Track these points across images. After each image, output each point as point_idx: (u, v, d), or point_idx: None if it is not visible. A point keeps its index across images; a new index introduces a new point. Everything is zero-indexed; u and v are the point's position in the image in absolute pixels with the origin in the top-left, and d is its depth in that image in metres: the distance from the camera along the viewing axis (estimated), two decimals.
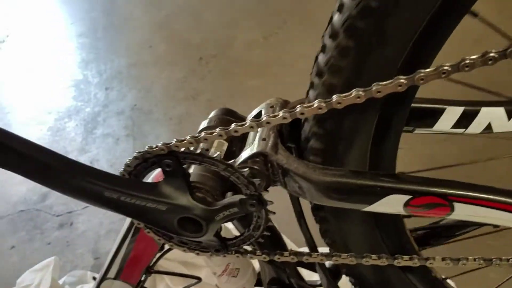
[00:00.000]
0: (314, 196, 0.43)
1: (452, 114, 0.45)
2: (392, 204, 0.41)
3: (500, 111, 0.45)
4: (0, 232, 1.52)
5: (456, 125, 0.46)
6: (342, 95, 0.37)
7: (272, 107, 0.46)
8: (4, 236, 1.51)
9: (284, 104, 0.46)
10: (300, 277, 0.59)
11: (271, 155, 0.42)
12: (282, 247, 0.56)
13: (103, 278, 0.58)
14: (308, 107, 0.38)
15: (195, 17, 2.41)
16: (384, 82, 0.36)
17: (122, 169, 0.43)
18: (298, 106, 0.39)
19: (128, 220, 0.56)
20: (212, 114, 0.50)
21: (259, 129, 0.44)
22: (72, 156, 1.76)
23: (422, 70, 0.35)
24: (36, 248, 1.47)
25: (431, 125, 0.47)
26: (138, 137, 1.79)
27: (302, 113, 0.39)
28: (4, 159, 0.38)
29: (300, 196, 0.45)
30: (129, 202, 0.42)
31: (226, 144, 0.46)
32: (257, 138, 0.44)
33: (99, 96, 2.05)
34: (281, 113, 0.39)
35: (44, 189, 1.25)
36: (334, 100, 0.37)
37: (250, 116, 0.47)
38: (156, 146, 0.41)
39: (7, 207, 1.61)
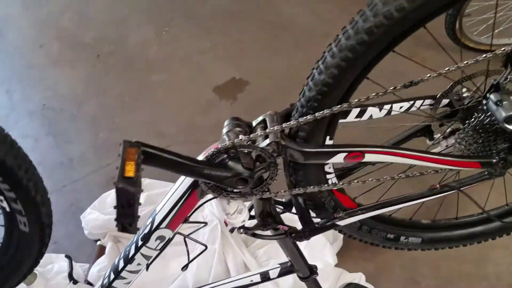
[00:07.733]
0: (299, 158, 0.85)
1: (356, 110, 0.92)
2: (338, 159, 0.86)
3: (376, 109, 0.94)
4: None
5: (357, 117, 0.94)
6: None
7: (271, 114, 0.86)
8: None
9: (279, 112, 0.86)
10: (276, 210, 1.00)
11: (280, 141, 0.83)
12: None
13: (157, 227, 0.91)
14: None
15: (82, 14, 2.51)
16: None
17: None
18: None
19: (185, 183, 0.89)
20: (227, 121, 0.87)
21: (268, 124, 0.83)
22: None
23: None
24: None
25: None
26: (57, 134, 1.92)
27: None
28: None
29: (292, 158, 0.86)
30: (210, 173, 0.79)
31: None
32: (268, 131, 0.83)
33: (1, 99, 2.07)
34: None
35: None
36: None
37: (255, 122, 0.86)
38: (225, 144, 0.78)
39: None
